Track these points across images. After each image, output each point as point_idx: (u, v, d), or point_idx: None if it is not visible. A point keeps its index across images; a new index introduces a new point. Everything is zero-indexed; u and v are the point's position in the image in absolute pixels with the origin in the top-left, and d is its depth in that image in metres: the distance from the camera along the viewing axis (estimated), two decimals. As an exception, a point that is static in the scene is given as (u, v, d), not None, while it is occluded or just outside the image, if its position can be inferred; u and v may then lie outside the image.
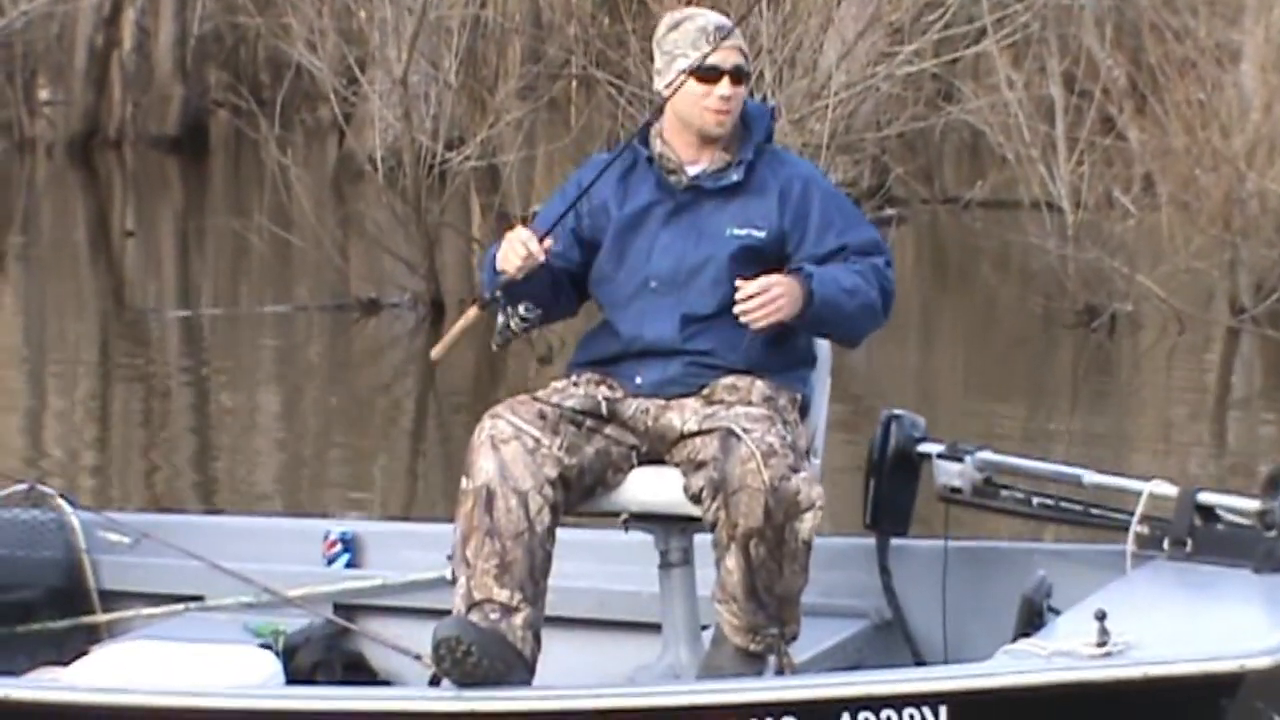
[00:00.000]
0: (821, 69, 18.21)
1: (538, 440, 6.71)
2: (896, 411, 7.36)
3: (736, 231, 6.87)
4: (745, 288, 6.60)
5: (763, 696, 6.36)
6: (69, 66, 30.45)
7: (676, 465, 6.74)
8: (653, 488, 6.85)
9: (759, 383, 6.80)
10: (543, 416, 6.77)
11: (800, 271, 6.71)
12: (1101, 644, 6.13)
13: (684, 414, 6.77)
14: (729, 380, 6.81)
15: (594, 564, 7.20)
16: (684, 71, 6.84)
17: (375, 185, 19.05)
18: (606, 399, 6.88)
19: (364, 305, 17.84)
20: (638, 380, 6.88)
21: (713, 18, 6.98)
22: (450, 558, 6.88)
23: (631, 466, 6.85)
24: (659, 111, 6.99)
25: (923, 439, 7.29)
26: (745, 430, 6.59)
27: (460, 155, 17.88)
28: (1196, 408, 14.89)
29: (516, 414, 6.76)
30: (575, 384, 6.94)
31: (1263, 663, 6.09)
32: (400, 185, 17.90)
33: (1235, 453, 13.06)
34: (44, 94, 30.96)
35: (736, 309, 6.63)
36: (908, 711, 6.20)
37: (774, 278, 6.65)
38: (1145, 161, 17.75)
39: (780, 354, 6.94)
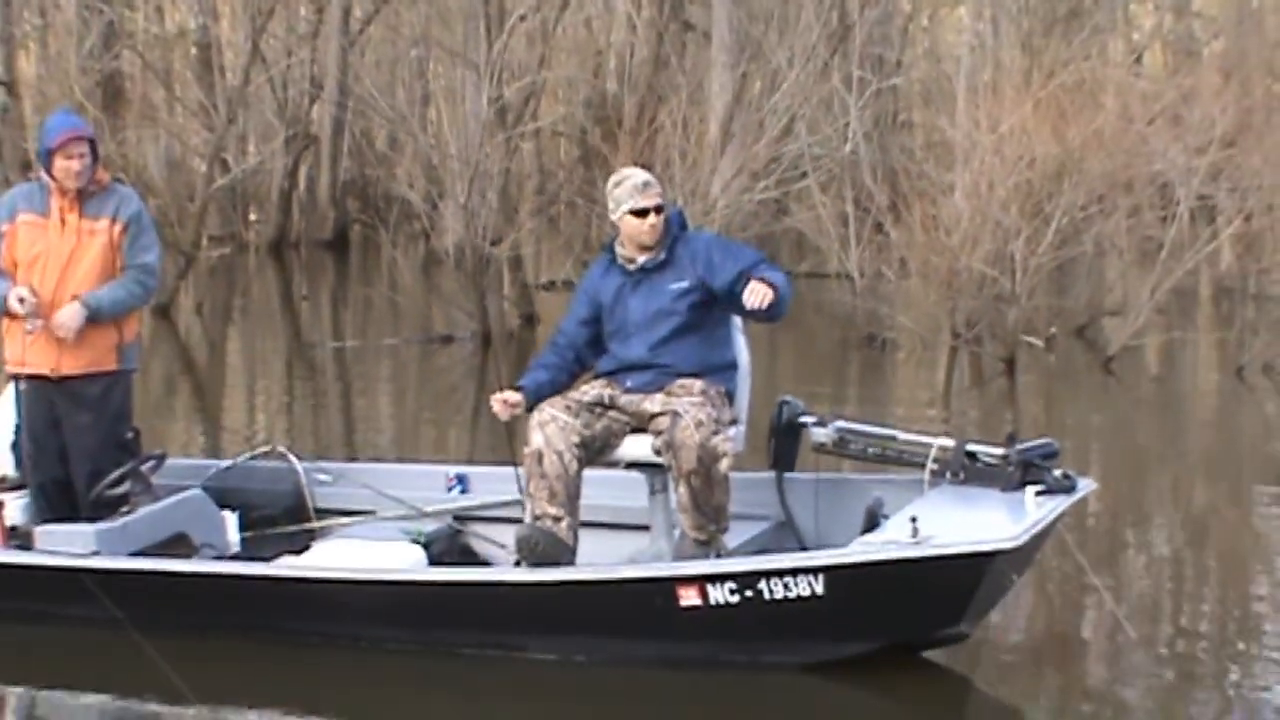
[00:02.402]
0: (711, 197, 18.14)
1: (566, 422, 6.70)
2: (786, 398, 7.32)
3: (672, 287, 6.88)
4: (749, 292, 6.63)
5: (710, 570, 6.34)
6: (268, 199, 30.30)
7: (650, 433, 6.74)
8: (638, 447, 6.85)
9: (698, 382, 6.84)
10: (569, 408, 6.79)
11: (765, 279, 6.70)
12: (914, 535, 6.10)
13: (653, 403, 6.80)
14: (680, 382, 6.87)
15: (610, 490, 7.10)
16: (627, 211, 6.90)
17: (449, 266, 18.84)
18: (610, 395, 6.90)
19: (442, 339, 17.64)
20: (628, 384, 6.91)
21: (640, 176, 7.01)
22: (521, 489, 6.85)
23: (626, 435, 6.85)
24: (616, 234, 7.04)
25: (803, 413, 7.24)
26: (686, 410, 6.63)
27: (498, 249, 17.71)
28: (932, 394, 14.80)
29: (554, 406, 6.83)
30: (593, 386, 6.94)
31: (1008, 545, 6.11)
32: (464, 266, 17.75)
33: (955, 421, 12.95)
34: (253, 216, 30.79)
35: (749, 300, 6.62)
36: (800, 578, 6.15)
37: (755, 283, 6.66)
38: (901, 249, 17.67)
39: (712, 362, 6.95)
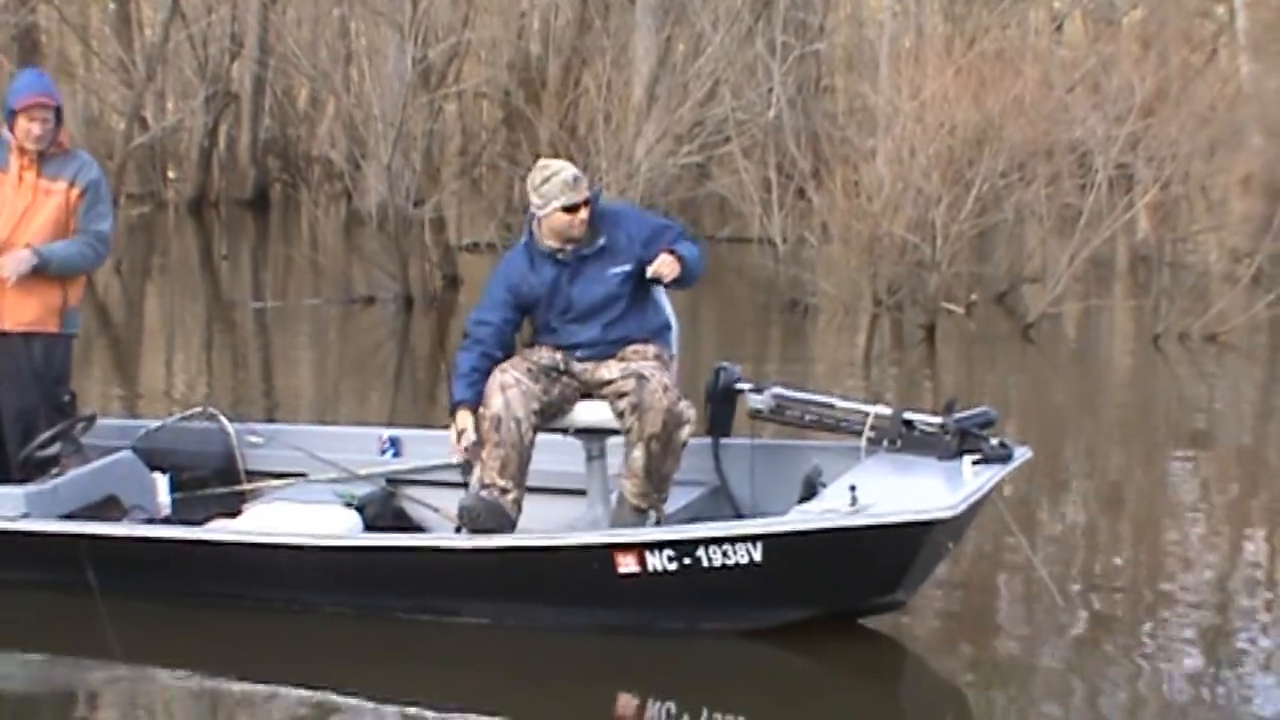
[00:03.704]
0: (635, 161, 18.10)
1: (529, 387, 6.60)
2: (724, 364, 7.27)
3: (614, 272, 6.77)
4: (658, 264, 6.64)
5: (649, 538, 6.28)
6: (187, 157, 29.93)
7: (604, 399, 6.67)
8: (593, 413, 6.76)
9: (651, 347, 6.80)
10: (530, 371, 6.67)
11: (674, 251, 6.69)
12: (853, 504, 6.08)
13: (609, 369, 6.70)
14: (633, 347, 6.79)
15: (545, 455, 6.92)
16: (559, 208, 6.68)
17: (371, 227, 18.76)
18: (562, 361, 6.79)
19: (364, 299, 17.52)
20: (579, 354, 6.81)
21: (569, 172, 6.77)
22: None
23: (576, 400, 6.76)
24: (537, 225, 6.80)
25: (738, 379, 7.19)
26: (651, 374, 6.57)
27: (421, 210, 17.59)
28: (853, 360, 14.80)
29: (516, 369, 6.69)
30: (544, 352, 6.82)
31: (946, 514, 6.11)
32: (386, 227, 17.62)
33: (875, 385, 12.96)
34: (172, 174, 30.39)
35: (657, 271, 6.65)
36: (739, 546, 6.12)
37: (666, 255, 6.67)
38: (823, 215, 17.68)
39: (654, 324, 6.90)
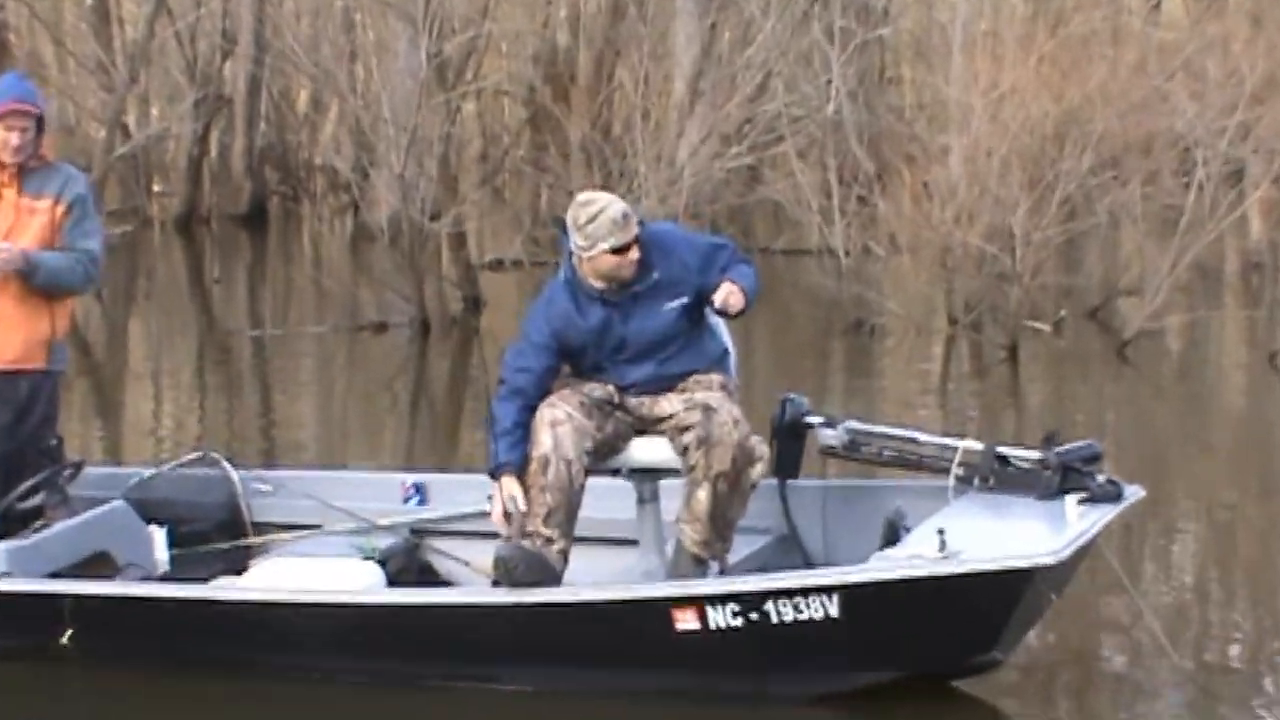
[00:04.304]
0: (678, 164, 18.10)
1: (581, 423, 6.57)
2: (790, 395, 7.21)
3: (670, 306, 6.74)
4: (725, 298, 6.62)
5: (710, 590, 6.26)
6: (174, 168, 30.03)
7: (662, 434, 6.66)
8: (645, 451, 6.75)
9: (715, 376, 6.82)
10: (582, 404, 6.63)
11: (735, 280, 6.68)
12: (942, 549, 6.04)
13: (669, 402, 6.69)
14: (695, 377, 6.79)
15: (591, 500, 6.85)
16: (607, 250, 6.61)
17: (382, 244, 18.77)
18: (615, 395, 6.76)
19: (375, 326, 17.52)
20: (633, 390, 6.79)
21: (617, 208, 6.68)
22: (489, 497, 6.71)
23: (631, 438, 6.74)
24: (579, 262, 6.73)
25: (808, 413, 7.14)
26: (719, 405, 6.58)
27: (438, 224, 17.60)
28: (926, 385, 14.73)
29: (567, 403, 6.64)
30: (594, 385, 6.77)
31: (1047, 560, 6.07)
32: (399, 244, 17.64)
33: (952, 415, 12.90)
34: (158, 187, 30.43)
35: (724, 305, 6.65)
36: (813, 599, 6.08)
37: (730, 285, 6.65)
38: (890, 223, 17.63)
39: (713, 354, 6.91)
